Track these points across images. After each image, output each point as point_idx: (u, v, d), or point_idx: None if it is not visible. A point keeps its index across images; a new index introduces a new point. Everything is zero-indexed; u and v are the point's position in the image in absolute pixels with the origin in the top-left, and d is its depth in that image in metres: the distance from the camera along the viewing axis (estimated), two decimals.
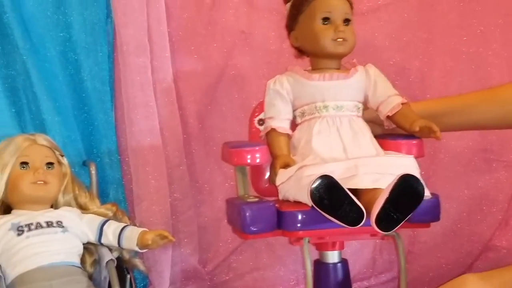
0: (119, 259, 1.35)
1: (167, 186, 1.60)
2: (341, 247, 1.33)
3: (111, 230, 1.33)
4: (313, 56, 1.34)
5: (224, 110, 1.71)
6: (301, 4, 1.32)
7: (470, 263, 1.71)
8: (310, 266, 1.23)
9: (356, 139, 1.26)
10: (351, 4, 1.33)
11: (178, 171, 1.63)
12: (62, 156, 1.40)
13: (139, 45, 1.59)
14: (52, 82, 1.56)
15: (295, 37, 1.35)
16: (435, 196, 1.24)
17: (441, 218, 1.67)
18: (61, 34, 1.58)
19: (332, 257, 1.31)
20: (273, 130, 1.31)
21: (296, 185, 1.17)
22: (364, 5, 1.75)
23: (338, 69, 1.33)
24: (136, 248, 1.30)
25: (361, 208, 1.07)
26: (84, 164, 1.54)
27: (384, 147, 1.29)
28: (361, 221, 1.07)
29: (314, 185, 1.07)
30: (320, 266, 1.32)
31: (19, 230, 1.25)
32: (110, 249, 1.35)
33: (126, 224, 1.35)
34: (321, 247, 1.32)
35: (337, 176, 1.10)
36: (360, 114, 1.31)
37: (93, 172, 1.47)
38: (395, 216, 1.06)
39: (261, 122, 1.38)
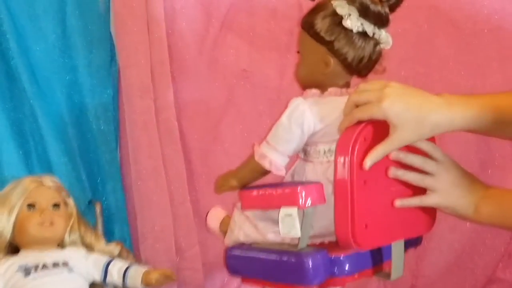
0: None
1: (172, 224, 1.62)
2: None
3: (116, 270, 1.36)
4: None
5: (226, 146, 1.75)
6: None
7: None
8: None
9: None
10: None
11: (182, 208, 1.66)
12: (68, 197, 1.44)
13: (143, 86, 1.63)
14: (58, 124, 1.61)
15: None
16: None
17: (444, 252, 1.73)
18: (67, 77, 1.64)
19: None
20: None
21: None
22: None
23: None
24: (141, 287, 1.33)
25: None
26: (90, 203, 1.57)
27: None
28: None
29: None
30: None
31: (27, 271, 1.29)
32: (115, 287, 1.38)
33: (130, 263, 1.38)
34: None
35: None
36: None
37: (99, 211, 1.52)
38: None
39: None
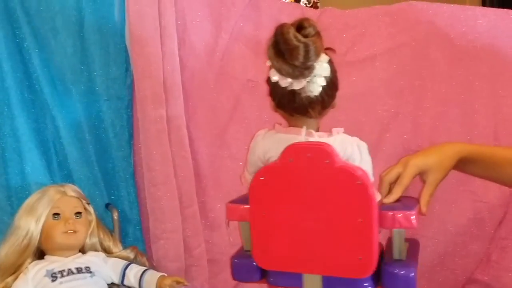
0: None
1: (181, 225, 1.76)
2: None
3: (133, 274, 1.51)
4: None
5: (233, 152, 1.86)
6: None
7: None
8: None
9: None
10: None
11: (190, 210, 1.79)
12: (88, 204, 1.57)
13: (156, 96, 1.73)
14: (77, 133, 1.72)
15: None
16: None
17: (429, 252, 1.87)
18: (85, 88, 1.73)
19: None
20: None
21: None
22: (362, 53, 1.89)
23: None
24: None
25: None
26: (107, 207, 1.70)
27: None
28: None
29: None
30: None
31: (53, 277, 1.43)
32: None
33: (146, 268, 1.52)
34: None
35: None
36: None
37: (116, 218, 1.63)
38: None
39: None
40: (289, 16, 1.90)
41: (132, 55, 1.74)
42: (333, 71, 1.30)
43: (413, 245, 1.42)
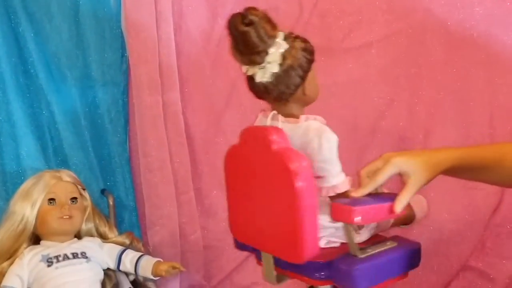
0: (135, 282, 1.54)
1: (177, 211, 1.76)
2: None
3: (129, 259, 1.51)
4: (305, 104, 1.35)
5: (229, 138, 1.86)
6: (312, 61, 1.31)
7: (448, 281, 1.89)
8: None
9: None
10: None
11: (185, 196, 1.80)
12: (84, 189, 1.56)
13: (152, 82, 1.73)
14: (73, 118, 1.71)
15: (304, 87, 1.31)
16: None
17: (424, 239, 1.88)
18: (81, 74, 1.72)
19: None
20: None
21: None
22: (358, 40, 1.89)
23: None
24: (151, 277, 1.48)
25: None
26: (103, 193, 1.70)
27: None
28: None
29: None
30: None
31: (49, 262, 1.42)
32: (127, 274, 1.54)
33: (142, 254, 1.52)
34: None
35: None
36: None
37: (111, 203, 1.63)
38: None
39: None
40: (285, 3, 1.90)
41: (128, 40, 1.74)
42: (297, 59, 1.25)
43: (403, 247, 1.34)
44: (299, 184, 1.13)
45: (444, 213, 1.88)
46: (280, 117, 1.31)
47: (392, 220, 1.41)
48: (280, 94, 1.27)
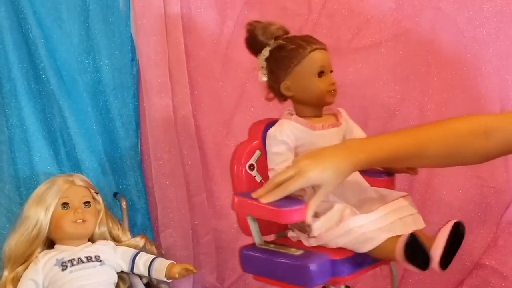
0: (148, 285, 1.55)
1: (188, 213, 1.77)
2: None
3: (142, 262, 1.51)
4: (303, 103, 1.42)
5: (239, 140, 1.87)
6: (296, 57, 1.38)
7: (461, 279, 1.88)
8: None
9: (355, 180, 1.41)
10: None
11: (197, 199, 1.81)
12: (97, 193, 1.57)
13: (162, 85, 1.75)
14: (84, 122, 1.72)
15: (287, 87, 1.40)
16: None
17: None
18: (91, 78, 1.73)
19: None
20: None
21: (346, 235, 1.27)
22: (367, 39, 1.89)
23: (321, 115, 1.43)
24: (165, 279, 1.48)
25: (429, 256, 1.22)
26: (115, 196, 1.70)
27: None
28: (429, 266, 1.22)
29: (407, 243, 1.19)
30: None
31: (63, 266, 1.43)
32: (140, 276, 1.55)
33: (155, 256, 1.53)
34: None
35: (380, 225, 1.26)
36: None
37: (124, 207, 1.63)
38: (449, 257, 1.24)
39: (252, 167, 1.48)
40: (294, 3, 1.91)
41: (138, 44, 1.75)
42: (274, 59, 1.42)
43: (298, 260, 1.30)
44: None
45: (456, 211, 1.88)
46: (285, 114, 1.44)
47: None
48: (275, 93, 1.46)
